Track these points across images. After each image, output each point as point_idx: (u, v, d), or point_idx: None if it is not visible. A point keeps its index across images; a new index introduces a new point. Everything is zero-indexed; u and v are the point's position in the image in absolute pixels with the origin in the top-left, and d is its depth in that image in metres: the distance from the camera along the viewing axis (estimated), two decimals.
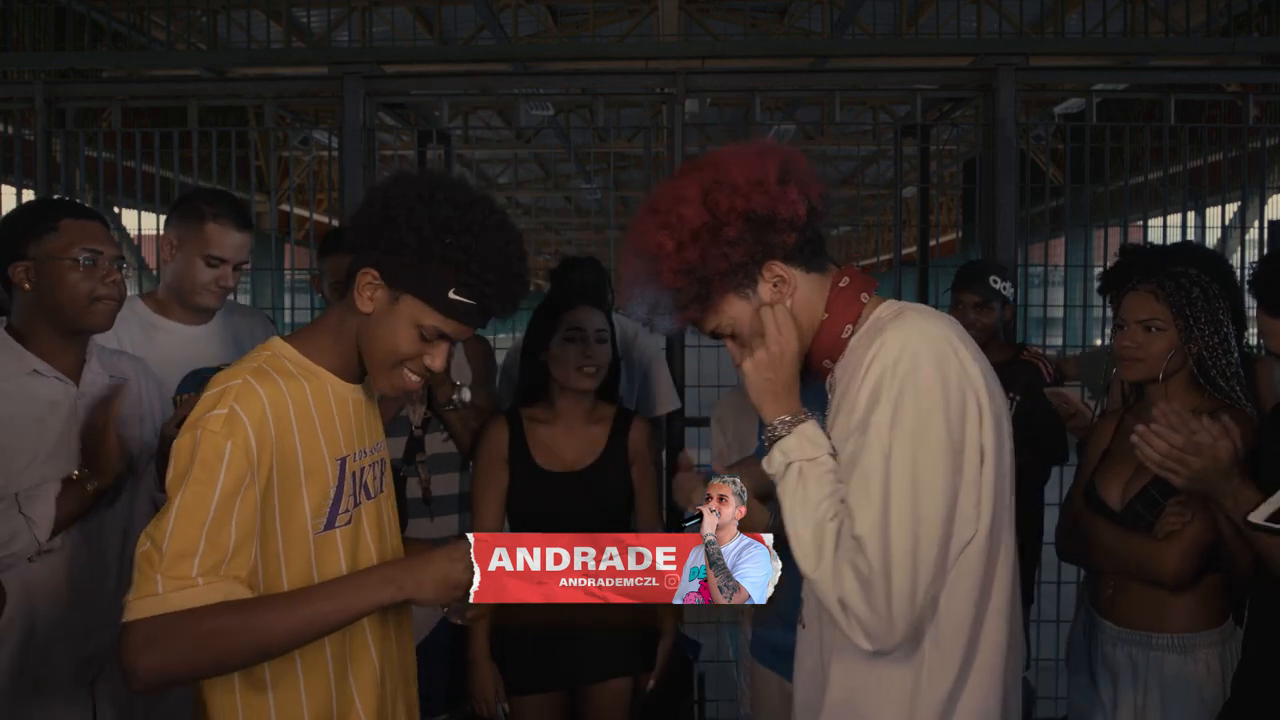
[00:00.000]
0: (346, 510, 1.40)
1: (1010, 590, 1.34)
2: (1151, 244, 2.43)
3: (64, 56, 3.91)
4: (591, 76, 3.58)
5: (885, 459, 1.23)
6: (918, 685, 1.30)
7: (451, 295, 1.32)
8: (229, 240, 2.23)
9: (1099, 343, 4.25)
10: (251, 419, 1.26)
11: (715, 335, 1.42)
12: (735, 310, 1.36)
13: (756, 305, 1.36)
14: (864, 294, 1.38)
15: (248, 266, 2.34)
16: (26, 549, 1.67)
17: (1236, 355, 1.89)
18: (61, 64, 3.84)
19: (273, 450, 1.28)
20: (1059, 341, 4.16)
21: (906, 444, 1.23)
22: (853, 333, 1.37)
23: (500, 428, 2.31)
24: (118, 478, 1.78)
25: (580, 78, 3.67)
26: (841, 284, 1.38)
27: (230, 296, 2.36)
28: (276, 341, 1.42)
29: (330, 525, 1.37)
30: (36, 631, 1.75)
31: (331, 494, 1.37)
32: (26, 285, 1.75)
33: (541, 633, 2.22)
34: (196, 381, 2.05)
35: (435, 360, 1.38)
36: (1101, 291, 2.23)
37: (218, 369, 2.06)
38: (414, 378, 1.39)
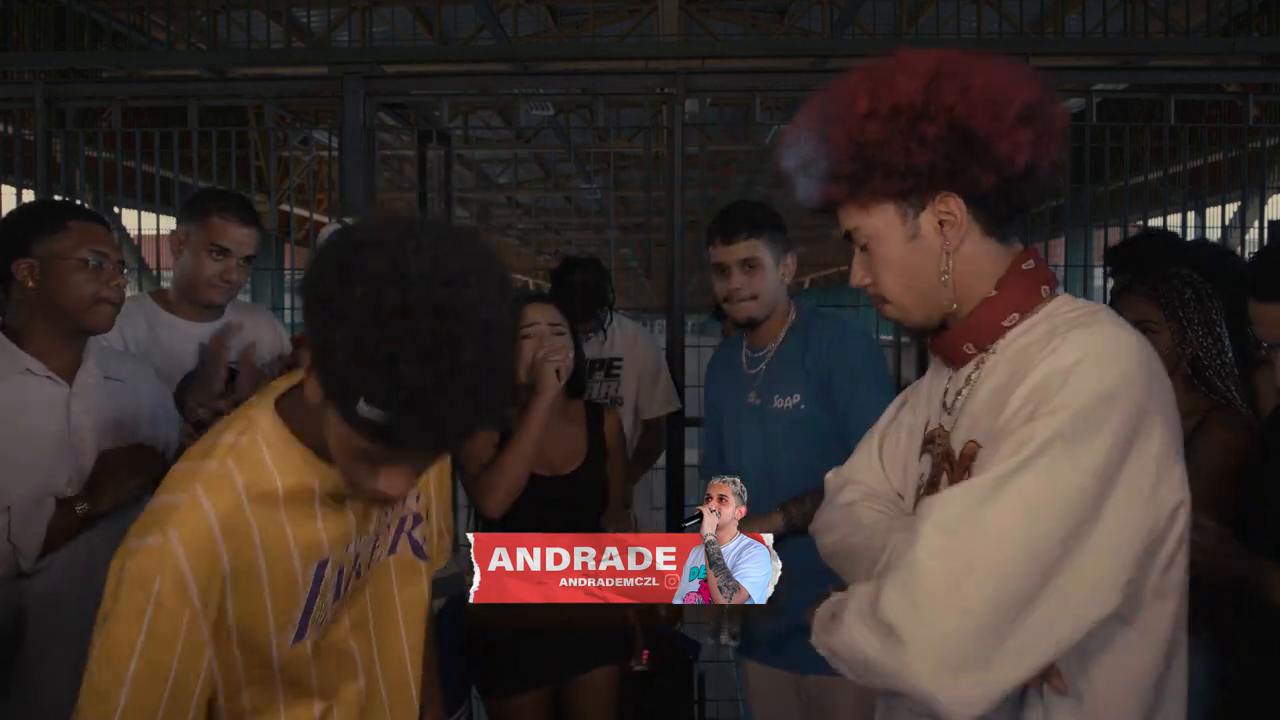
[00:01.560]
0: (321, 612, 1.22)
1: None
2: (1170, 231, 2.42)
3: (64, 56, 3.89)
4: (591, 76, 3.58)
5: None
6: None
7: (361, 406, 0.95)
8: (233, 232, 2.25)
9: None
10: (190, 550, 1.06)
11: (848, 238, 1.21)
12: (883, 224, 1.17)
13: (911, 234, 1.15)
14: (1045, 287, 1.17)
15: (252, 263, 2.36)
16: (10, 574, 1.66)
17: (1231, 355, 1.89)
18: (61, 64, 3.84)
19: (224, 576, 1.10)
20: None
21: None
22: (1017, 323, 1.15)
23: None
24: (114, 505, 1.76)
25: (580, 78, 3.67)
26: (1025, 265, 1.17)
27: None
28: (259, 410, 1.18)
29: (300, 636, 1.20)
30: (32, 642, 1.73)
31: (303, 603, 1.19)
32: (30, 283, 1.75)
33: (523, 631, 2.18)
34: (198, 379, 2.06)
35: (390, 486, 1.07)
36: (1105, 263, 2.23)
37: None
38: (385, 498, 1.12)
